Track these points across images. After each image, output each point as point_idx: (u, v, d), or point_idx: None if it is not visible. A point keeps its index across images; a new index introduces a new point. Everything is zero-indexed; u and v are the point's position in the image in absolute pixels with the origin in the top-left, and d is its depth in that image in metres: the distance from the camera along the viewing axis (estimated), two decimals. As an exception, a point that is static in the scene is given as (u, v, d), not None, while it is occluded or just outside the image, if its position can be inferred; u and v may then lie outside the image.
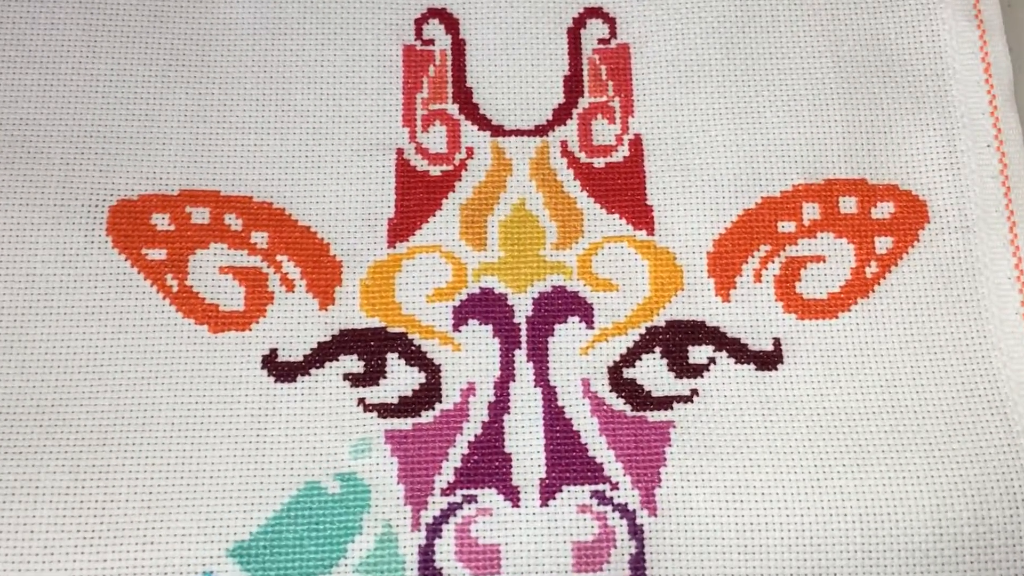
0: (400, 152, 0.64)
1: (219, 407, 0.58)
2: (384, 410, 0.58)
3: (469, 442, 0.58)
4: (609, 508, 0.56)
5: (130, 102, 0.64)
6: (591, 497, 0.56)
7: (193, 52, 0.66)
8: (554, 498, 0.56)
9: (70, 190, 0.62)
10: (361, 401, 0.59)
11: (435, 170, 0.64)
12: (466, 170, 0.64)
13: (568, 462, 0.57)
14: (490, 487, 0.57)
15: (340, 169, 0.64)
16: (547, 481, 0.57)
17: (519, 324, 0.60)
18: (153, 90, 0.65)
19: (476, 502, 0.56)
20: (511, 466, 0.57)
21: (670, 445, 0.57)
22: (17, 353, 0.58)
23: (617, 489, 0.56)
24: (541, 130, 0.65)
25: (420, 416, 0.58)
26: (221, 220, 0.62)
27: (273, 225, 0.62)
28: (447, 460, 0.57)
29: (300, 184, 0.63)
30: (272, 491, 0.56)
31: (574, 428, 0.58)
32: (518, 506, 0.56)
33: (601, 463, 0.57)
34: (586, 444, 0.57)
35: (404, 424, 0.58)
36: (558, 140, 0.65)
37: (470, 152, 0.65)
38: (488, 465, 0.57)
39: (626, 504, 0.56)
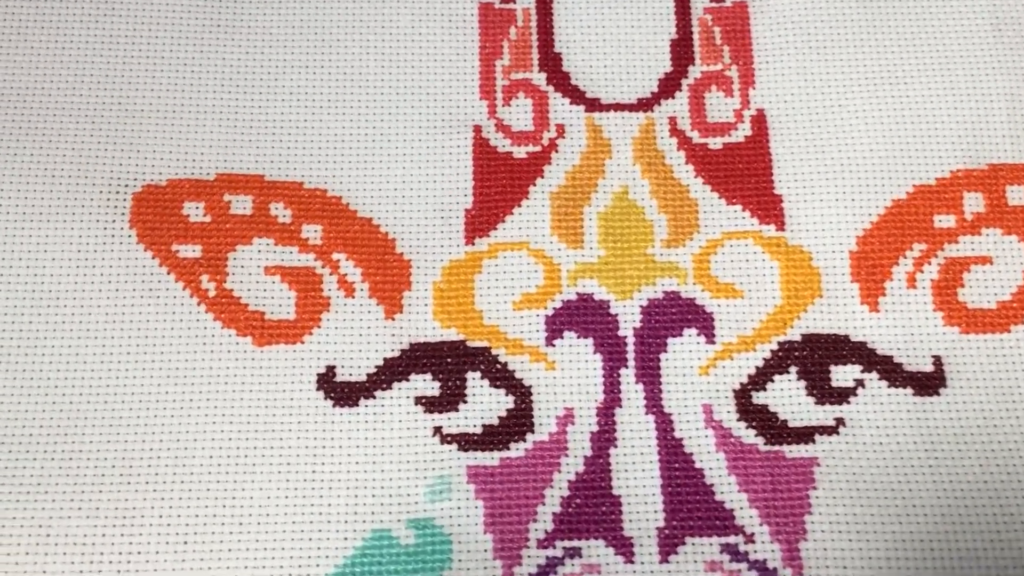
0: (478, 130, 0.55)
1: (266, 437, 0.48)
2: (465, 442, 0.49)
3: (569, 481, 0.48)
4: (744, 566, 0.46)
5: (157, 69, 0.55)
6: (721, 552, 0.46)
7: (230, 11, 0.57)
8: (676, 552, 0.46)
9: (86, 174, 0.53)
10: (437, 430, 0.49)
11: (519, 151, 0.54)
12: (556, 151, 0.54)
13: (691, 508, 0.47)
14: (597, 538, 0.47)
15: (407, 150, 0.54)
16: (667, 531, 0.47)
17: (625, 337, 0.51)
18: (184, 55, 0.56)
19: (581, 557, 0.46)
20: (622, 512, 0.47)
21: (815, 487, 0.47)
22: (23, 371, 0.49)
23: (753, 542, 0.46)
24: (645, 104, 0.55)
25: (509, 449, 0.49)
26: (266, 210, 0.53)
27: (328, 217, 0.53)
28: (543, 504, 0.47)
29: (359, 168, 0.54)
30: (332, 542, 0.47)
31: (696, 465, 0.48)
32: (632, 562, 0.46)
33: (731, 509, 0.47)
34: (712, 485, 0.48)
35: (490, 459, 0.48)
36: (665, 116, 0.55)
37: (560, 130, 0.55)
38: (594, 511, 0.47)
39: (764, 561, 0.46)
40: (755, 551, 0.46)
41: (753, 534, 0.47)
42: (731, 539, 0.47)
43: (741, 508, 0.47)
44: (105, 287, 0.51)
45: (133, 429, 0.48)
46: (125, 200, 0.53)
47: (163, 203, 0.53)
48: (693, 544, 0.47)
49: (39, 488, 0.47)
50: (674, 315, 0.51)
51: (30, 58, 0.55)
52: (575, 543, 0.47)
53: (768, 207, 0.53)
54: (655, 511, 0.47)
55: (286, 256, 0.52)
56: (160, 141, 0.54)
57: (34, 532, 0.46)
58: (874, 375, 0.50)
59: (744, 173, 0.54)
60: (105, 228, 0.52)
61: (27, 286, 0.50)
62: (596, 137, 0.55)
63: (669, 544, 0.47)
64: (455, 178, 0.54)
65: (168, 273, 0.51)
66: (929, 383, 0.49)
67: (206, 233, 0.52)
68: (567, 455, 0.49)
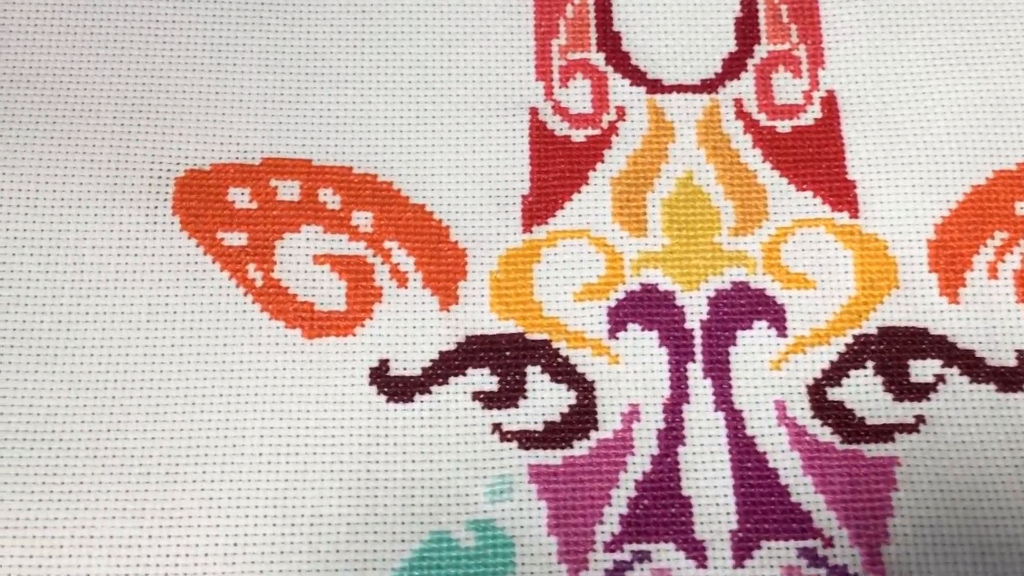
0: (534, 112, 0.52)
1: (317, 434, 0.46)
2: (526, 439, 0.46)
3: (636, 481, 0.46)
4: (823, 572, 0.44)
5: (198, 48, 0.53)
6: (799, 556, 0.44)
7: (274, -12, 0.54)
8: (751, 557, 0.44)
9: (126, 158, 0.50)
10: (496, 427, 0.47)
11: (578, 135, 0.52)
12: (617, 135, 0.52)
13: (766, 510, 0.45)
14: (667, 541, 0.44)
15: (460, 133, 0.52)
16: (740, 535, 0.44)
17: (691, 330, 0.48)
18: (226, 33, 0.53)
19: (650, 561, 0.44)
20: (692, 514, 0.45)
21: (896, 489, 0.45)
22: (64, 364, 0.47)
23: (832, 546, 0.44)
24: (709, 85, 0.53)
25: (572, 447, 0.46)
26: (314, 196, 0.50)
27: (379, 203, 0.50)
28: (609, 505, 0.45)
29: (411, 152, 0.51)
30: (389, 544, 0.44)
31: (770, 465, 0.46)
32: (705, 567, 0.44)
33: (808, 512, 0.45)
34: (787, 486, 0.45)
35: (552, 458, 0.46)
36: (731, 98, 0.52)
37: (621, 112, 0.52)
38: (663, 512, 0.45)
39: (845, 567, 0.44)
40: (834, 556, 0.44)
41: (832, 538, 0.44)
42: (809, 543, 0.44)
43: (818, 510, 0.45)
44: (147, 276, 0.49)
45: (179, 426, 0.46)
46: (167, 185, 0.50)
47: (207, 188, 0.50)
48: (769, 548, 0.44)
49: (81, 487, 0.45)
50: (743, 307, 0.49)
51: (66, 38, 0.53)
52: (644, 546, 0.44)
53: (841, 194, 0.50)
54: (727, 513, 0.45)
55: (336, 244, 0.50)
56: (203, 124, 0.51)
57: (77, 533, 0.44)
58: (955, 370, 0.47)
59: (815, 158, 0.51)
60: (147, 215, 0.50)
61: (66, 275, 0.48)
62: (658, 120, 0.52)
63: (743, 548, 0.44)
64: (511, 163, 0.52)
65: (213, 262, 0.49)
66: (1013, 378, 0.47)
67: (252, 220, 0.50)
68: (633, 454, 0.46)
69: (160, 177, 0.50)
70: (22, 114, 0.51)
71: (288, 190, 0.51)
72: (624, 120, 0.52)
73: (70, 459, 0.45)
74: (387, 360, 0.48)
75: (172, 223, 0.50)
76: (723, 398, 0.47)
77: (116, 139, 0.51)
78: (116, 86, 0.52)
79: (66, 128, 0.51)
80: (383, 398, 0.47)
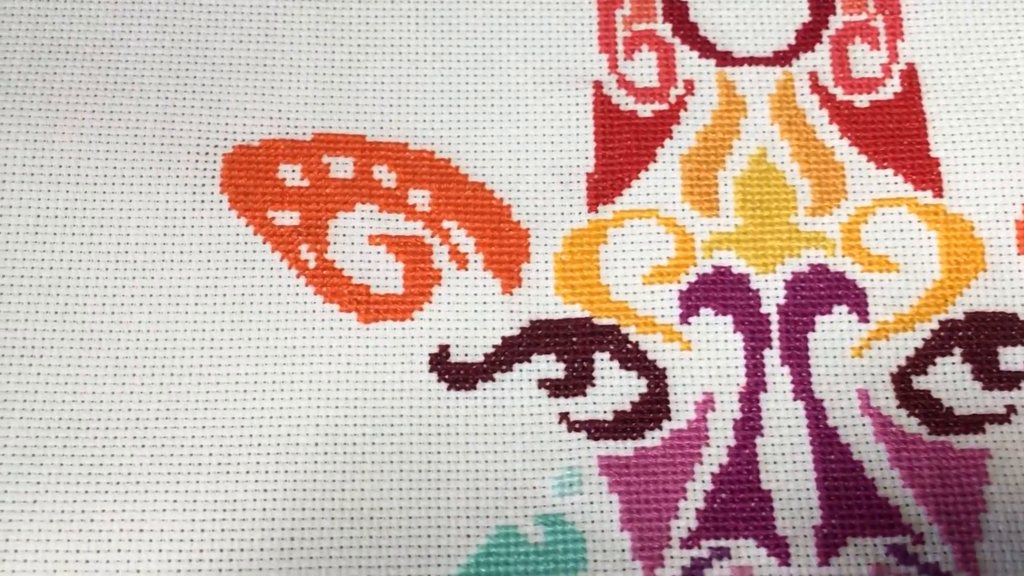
0: (598, 86, 0.50)
1: (375, 424, 0.44)
2: (595, 429, 0.44)
3: (712, 474, 0.43)
4: (914, 569, 0.41)
5: (245, 19, 0.51)
6: (888, 554, 0.42)
7: (324, -44, 0.52)
8: (837, 554, 0.42)
9: (172, 133, 0.48)
10: (564, 417, 0.44)
11: (645, 109, 0.49)
12: (685, 110, 0.49)
13: (852, 504, 0.42)
14: (747, 537, 0.42)
15: (521, 108, 0.49)
16: (825, 531, 0.42)
17: (768, 315, 0.46)
18: (275, 2, 0.51)
19: (730, 558, 0.42)
20: (773, 508, 0.42)
21: (988, 483, 0.42)
22: (108, 349, 0.44)
23: (922, 543, 0.42)
24: (782, 58, 0.50)
25: (644, 438, 0.44)
26: (369, 174, 0.48)
27: (436, 181, 0.48)
28: (685, 499, 0.43)
29: (469, 128, 0.49)
30: (453, 539, 0.42)
31: (854, 457, 0.43)
32: (788, 564, 0.42)
33: (897, 506, 0.42)
34: (873, 479, 0.43)
35: (623, 449, 0.44)
36: (805, 71, 0.50)
37: (689, 86, 0.50)
38: (742, 507, 0.43)
39: (937, 564, 0.41)
40: (925, 553, 0.42)
41: (922, 534, 0.42)
42: (898, 539, 0.42)
43: (907, 505, 0.42)
44: (195, 257, 0.46)
45: (230, 414, 0.44)
46: (215, 162, 0.48)
47: (256, 165, 0.48)
48: (855, 545, 0.42)
49: (130, 478, 0.42)
50: (822, 290, 0.46)
51: (107, 7, 0.50)
52: (723, 542, 0.42)
53: (923, 172, 0.48)
54: (811, 508, 0.43)
55: (392, 224, 0.47)
56: (251, 97, 0.49)
57: (125, 527, 0.42)
58: (1048, 358, 0.45)
59: (895, 134, 0.49)
60: (194, 192, 0.47)
61: (111, 256, 0.46)
62: (729, 94, 0.50)
63: (829, 545, 0.42)
64: (575, 139, 0.49)
65: (264, 242, 0.47)
66: (1109, 367, 0.45)
67: (304, 198, 0.48)
68: (708, 445, 0.44)
69: (207, 153, 0.48)
70: (62, 87, 0.49)
71: (341, 167, 0.48)
72: (693, 94, 0.50)
73: (117, 449, 0.43)
74: (447, 346, 0.46)
75: (220, 201, 0.47)
76: (802, 387, 0.45)
77: (161, 113, 0.48)
78: (160, 57, 0.49)
79: (108, 102, 0.48)
80: (444, 385, 0.45)
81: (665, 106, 0.50)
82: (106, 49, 0.50)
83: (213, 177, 0.48)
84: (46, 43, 0.50)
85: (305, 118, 0.49)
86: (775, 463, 0.44)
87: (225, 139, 0.48)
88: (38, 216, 0.46)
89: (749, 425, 0.44)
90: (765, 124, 0.49)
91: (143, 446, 0.43)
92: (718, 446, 0.44)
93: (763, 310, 0.46)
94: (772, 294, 0.46)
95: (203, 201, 0.47)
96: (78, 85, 0.49)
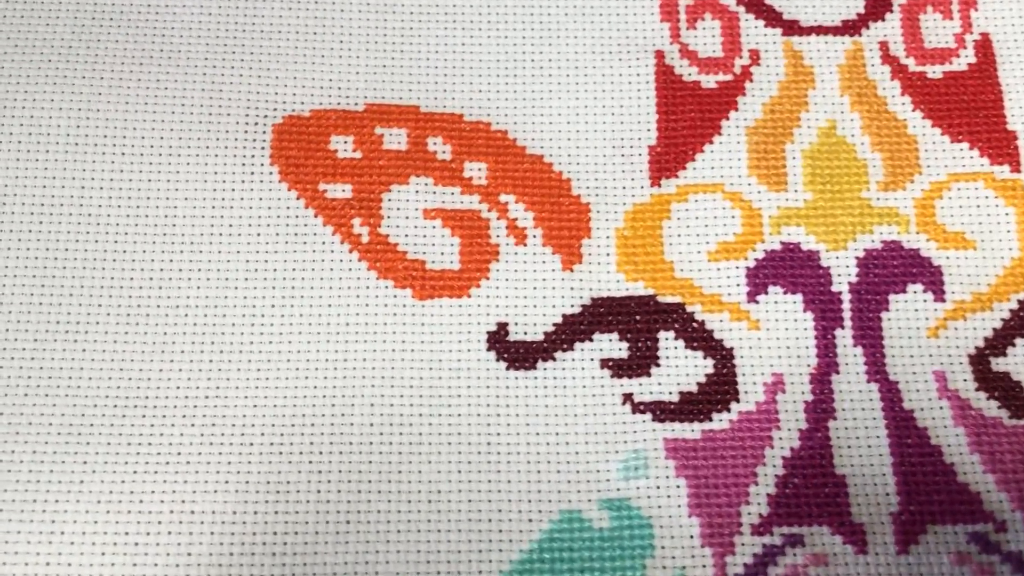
0: (660, 56, 0.48)
1: (432, 403, 0.42)
2: (661, 411, 0.42)
3: (784, 458, 0.41)
4: (996, 559, 0.39)
5: (294, -14, 0.49)
6: (969, 542, 0.40)
7: (374, -79, 0.50)
8: (917, 542, 0.40)
9: (219, 103, 0.46)
10: (628, 398, 0.43)
11: (708, 80, 0.48)
12: (751, 81, 0.47)
13: (930, 490, 0.41)
14: (821, 524, 0.40)
15: (580, 79, 0.48)
16: (904, 517, 0.40)
17: (839, 293, 0.44)
18: (326, -30, 0.49)
19: (804, 545, 0.40)
20: (848, 494, 0.41)
21: (1074, 469, 0.41)
22: (156, 326, 0.43)
23: (1005, 531, 0.40)
24: (851, 27, 0.48)
25: (711, 420, 0.42)
26: (423, 145, 0.46)
27: (493, 153, 0.46)
28: (756, 484, 0.41)
29: (527, 99, 0.47)
30: (515, 524, 0.40)
31: (932, 442, 0.41)
32: (865, 552, 0.40)
33: (978, 492, 0.40)
34: (952, 464, 0.41)
35: (690, 431, 0.42)
36: (875, 41, 0.48)
37: (755, 56, 0.48)
38: (815, 492, 0.41)
39: (1021, 553, 0.39)
40: (1007, 542, 0.40)
41: (1004, 522, 0.40)
42: (979, 527, 0.40)
43: (988, 491, 0.41)
44: (245, 231, 0.45)
45: (282, 392, 0.42)
46: (265, 133, 0.46)
47: (307, 136, 0.46)
48: (935, 532, 0.40)
49: (179, 459, 0.41)
50: (896, 268, 0.44)
51: (153, -27, 0.49)
52: (796, 529, 0.40)
53: (1000, 145, 0.46)
54: (887, 494, 0.41)
55: (447, 197, 0.46)
56: (301, 67, 0.47)
57: (176, 508, 0.40)
58: None
59: (970, 106, 0.47)
60: (243, 164, 0.46)
61: (157, 230, 0.44)
62: (796, 64, 0.48)
63: (908, 532, 0.40)
64: (636, 110, 0.47)
65: (315, 216, 0.45)
66: None
67: (357, 171, 0.46)
68: (779, 428, 0.42)
69: (256, 124, 0.46)
70: (107, 55, 0.47)
71: (395, 138, 0.47)
72: (758, 65, 0.48)
73: (166, 428, 0.42)
74: (506, 324, 0.44)
75: (270, 174, 0.46)
76: (876, 368, 0.43)
77: (208, 82, 0.47)
78: (207, 24, 0.48)
79: (154, 70, 0.47)
80: (502, 365, 0.43)
81: (730, 77, 0.48)
82: (151, 16, 0.48)
83: (263, 148, 0.46)
84: (90, 10, 0.48)
85: (357, 88, 0.47)
86: (849, 447, 0.42)
87: (275, 109, 0.47)
88: (82, 188, 0.45)
89: (821, 408, 0.42)
90: (834, 95, 0.47)
91: (192, 425, 0.42)
92: (789, 429, 0.42)
93: (834, 288, 0.44)
94: (843, 272, 0.44)
95: (252, 173, 0.46)
96: (123, 53, 0.47)
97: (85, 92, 0.46)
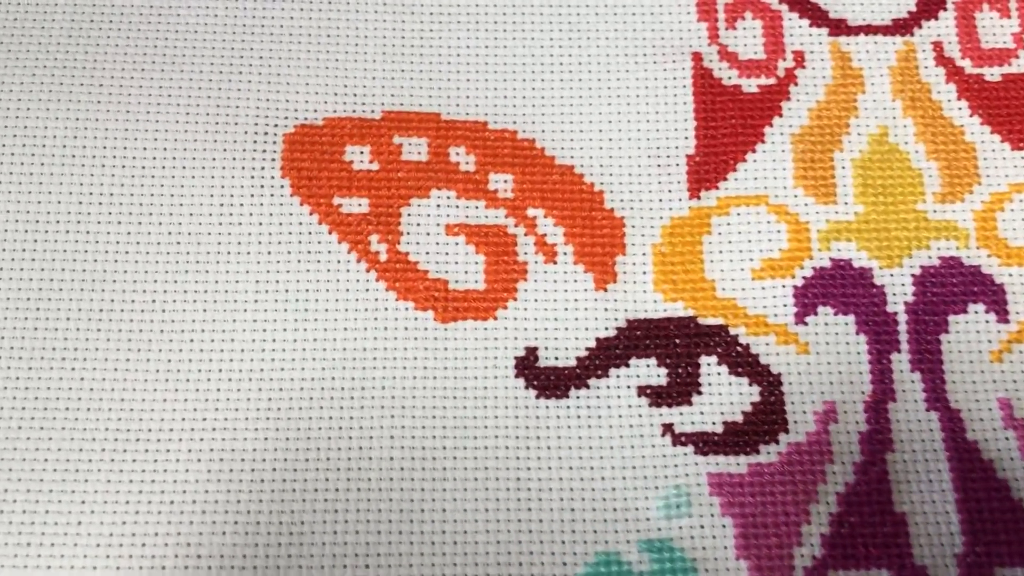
0: (698, 58, 0.45)
1: (456, 435, 0.39)
2: (704, 443, 0.39)
3: (839, 495, 0.38)
4: (1073, 606, 0.37)
5: (306, -14, 0.46)
6: (1043, 587, 0.37)
7: (390, -84, 0.47)
8: (985, 587, 0.37)
9: (227, 112, 0.44)
10: (668, 429, 0.40)
11: (750, 84, 0.45)
12: (796, 84, 0.45)
13: (998, 530, 0.38)
14: (880, 567, 0.37)
15: (612, 83, 0.45)
16: (970, 559, 0.37)
17: (895, 314, 0.41)
18: (339, -32, 0.46)
19: (862, 591, 0.37)
20: (909, 534, 0.38)
21: None
22: (159, 352, 0.40)
23: (1081, 575, 0.37)
24: (903, 27, 0.45)
25: (758, 453, 0.39)
26: (444, 156, 0.43)
27: (520, 164, 0.43)
28: (808, 523, 0.38)
29: (556, 105, 0.44)
30: (548, 568, 0.37)
31: (998, 475, 0.38)
32: (928, 598, 0.37)
33: (1050, 533, 0.38)
34: (1021, 501, 0.38)
35: (735, 465, 0.39)
36: (928, 41, 0.45)
37: (799, 58, 0.45)
38: (873, 532, 0.38)
39: (1098, 600, 0.37)
40: (1083, 587, 0.37)
41: (1080, 565, 0.38)
42: (1053, 571, 0.38)
43: (1063, 532, 0.38)
44: (254, 249, 0.42)
45: (295, 424, 0.40)
46: (275, 143, 0.43)
47: (321, 147, 0.43)
48: (1004, 576, 0.38)
49: (185, 496, 0.38)
50: (955, 286, 0.42)
51: (155, -27, 0.46)
52: (853, 573, 0.37)
53: (1066, 154, 0.43)
54: (951, 533, 0.38)
55: (471, 212, 0.43)
56: (313, 72, 0.45)
57: (181, 552, 0.37)
58: None
59: (1032, 112, 0.44)
60: (252, 177, 0.43)
61: (161, 248, 0.42)
62: (844, 67, 0.45)
63: (976, 576, 0.37)
64: (673, 117, 0.44)
65: (330, 232, 0.42)
66: None
67: (374, 184, 0.43)
68: (832, 461, 0.39)
69: (267, 134, 0.44)
70: (106, 60, 0.44)
71: (414, 148, 0.44)
72: (803, 67, 0.45)
73: (170, 463, 0.39)
74: (535, 348, 0.41)
75: (281, 187, 0.43)
76: (936, 395, 0.40)
77: (215, 89, 0.44)
78: (214, 27, 0.45)
79: (157, 76, 0.44)
80: (532, 392, 0.40)
81: (773, 80, 0.45)
82: (154, 17, 0.45)
83: (273, 160, 0.43)
84: (88, 11, 0.45)
85: (373, 94, 0.44)
86: (909, 482, 0.39)
87: (286, 118, 0.44)
88: (80, 203, 0.42)
89: (877, 439, 0.39)
90: (886, 100, 0.44)
91: (199, 460, 0.39)
92: (843, 463, 0.39)
93: (889, 309, 0.41)
94: (899, 291, 0.42)
95: (262, 187, 0.43)
96: (123, 57, 0.44)
97: (82, 100, 0.44)
